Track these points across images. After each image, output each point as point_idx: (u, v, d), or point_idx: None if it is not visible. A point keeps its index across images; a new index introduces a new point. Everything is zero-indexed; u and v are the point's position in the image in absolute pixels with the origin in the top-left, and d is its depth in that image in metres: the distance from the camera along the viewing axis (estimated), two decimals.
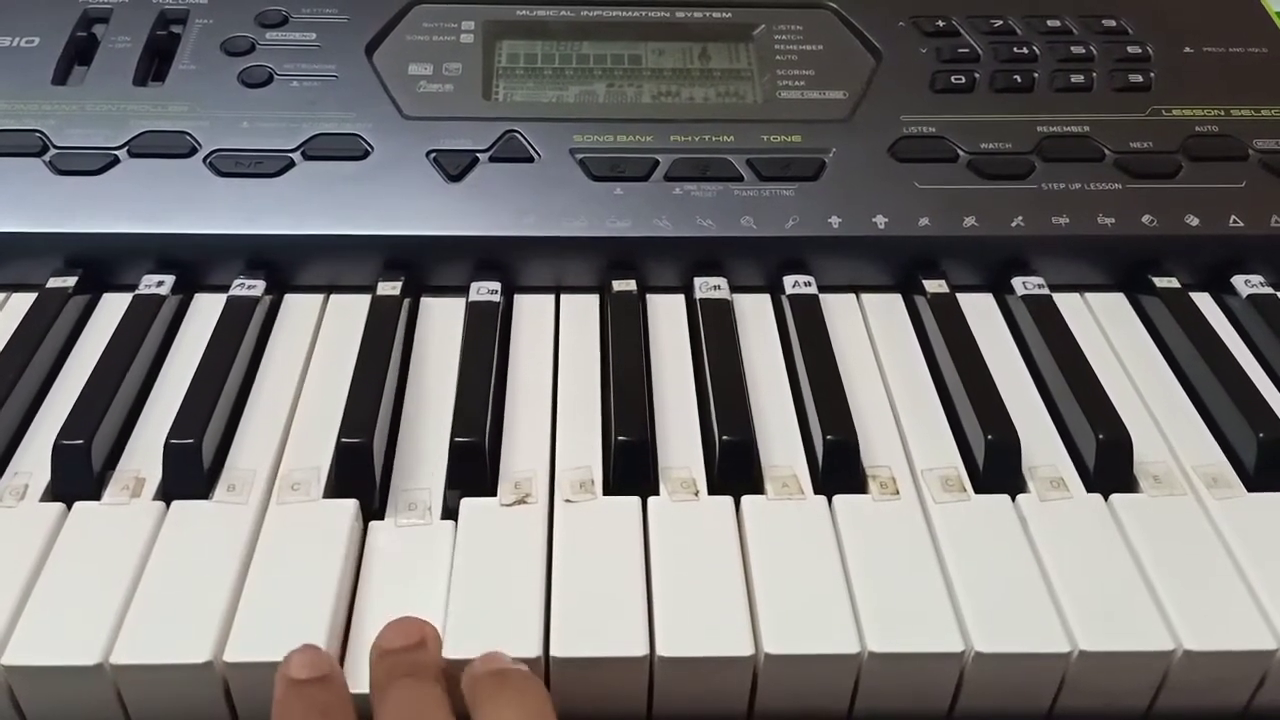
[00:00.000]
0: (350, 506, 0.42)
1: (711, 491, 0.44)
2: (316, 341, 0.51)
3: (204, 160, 0.54)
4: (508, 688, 0.36)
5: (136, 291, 0.51)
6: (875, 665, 0.38)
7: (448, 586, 0.40)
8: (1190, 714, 0.40)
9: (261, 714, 0.36)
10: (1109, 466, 0.44)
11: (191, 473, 0.43)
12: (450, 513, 0.43)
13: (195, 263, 0.53)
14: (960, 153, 0.56)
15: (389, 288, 0.52)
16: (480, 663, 0.37)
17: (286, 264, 0.53)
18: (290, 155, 0.55)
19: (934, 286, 0.53)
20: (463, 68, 0.60)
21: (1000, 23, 0.63)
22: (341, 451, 0.43)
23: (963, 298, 0.52)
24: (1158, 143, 0.57)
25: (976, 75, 0.60)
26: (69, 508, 0.42)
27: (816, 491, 0.44)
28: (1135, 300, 0.54)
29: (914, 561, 0.41)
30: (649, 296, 0.53)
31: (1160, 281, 0.53)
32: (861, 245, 0.54)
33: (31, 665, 0.37)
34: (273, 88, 0.58)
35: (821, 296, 0.52)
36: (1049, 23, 0.63)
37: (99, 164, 0.54)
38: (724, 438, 0.44)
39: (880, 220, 0.54)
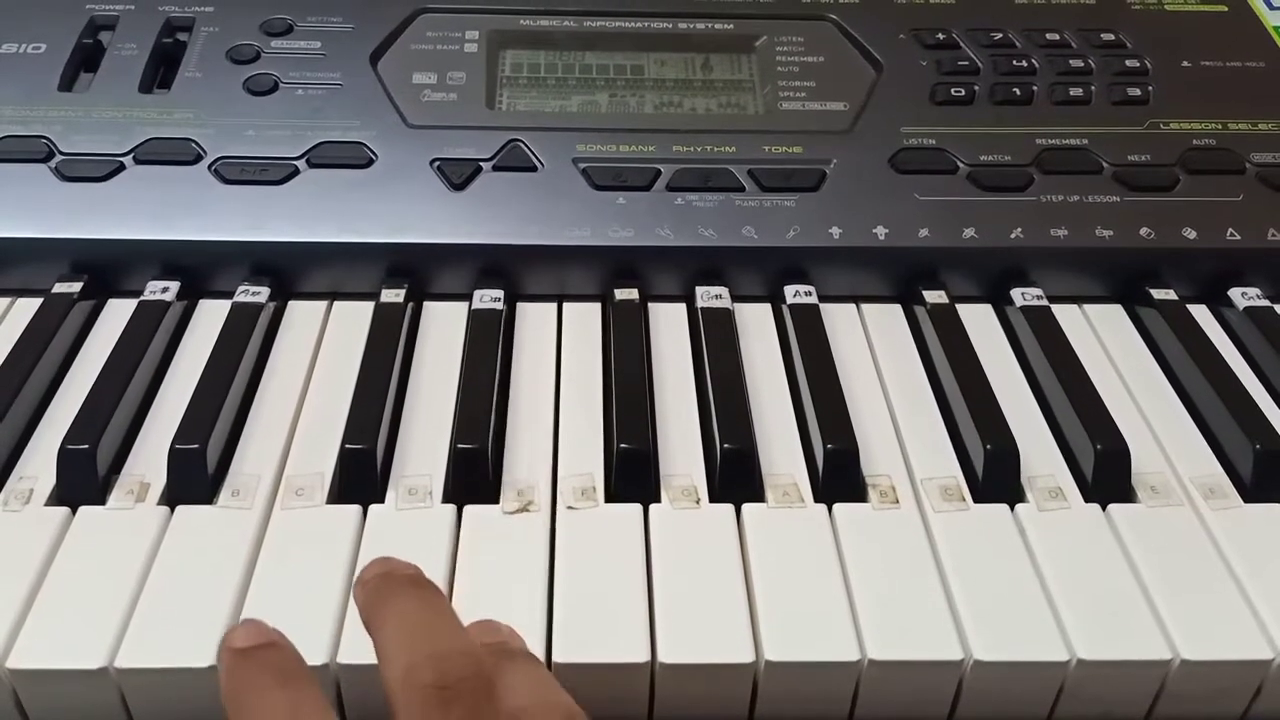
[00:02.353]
0: (354, 512, 0.43)
1: (712, 499, 0.44)
2: (320, 348, 0.51)
3: (209, 167, 0.55)
4: (406, 587, 0.33)
5: (141, 297, 0.51)
6: (875, 673, 0.38)
7: (448, 582, 0.40)
8: None
9: None
10: (1107, 477, 0.45)
11: (196, 478, 0.43)
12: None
13: (200, 269, 0.53)
14: (960, 164, 0.57)
15: (392, 295, 0.52)
16: (368, 569, 0.34)
17: (290, 271, 0.53)
18: (295, 163, 0.55)
19: (934, 297, 0.53)
20: (467, 77, 0.60)
21: (1000, 35, 0.64)
22: (345, 457, 0.44)
23: (962, 308, 0.53)
24: (1156, 156, 0.57)
25: (976, 88, 0.61)
26: (74, 512, 0.42)
27: (817, 500, 0.44)
28: (1133, 312, 0.55)
29: (913, 570, 0.41)
30: (651, 305, 0.54)
31: (1158, 294, 0.54)
32: (862, 256, 0.54)
33: (36, 669, 0.37)
34: (278, 96, 0.58)
35: (822, 306, 0.53)
36: (1048, 36, 0.64)
37: (105, 170, 0.54)
38: (725, 446, 0.44)
39: (880, 231, 0.54)
